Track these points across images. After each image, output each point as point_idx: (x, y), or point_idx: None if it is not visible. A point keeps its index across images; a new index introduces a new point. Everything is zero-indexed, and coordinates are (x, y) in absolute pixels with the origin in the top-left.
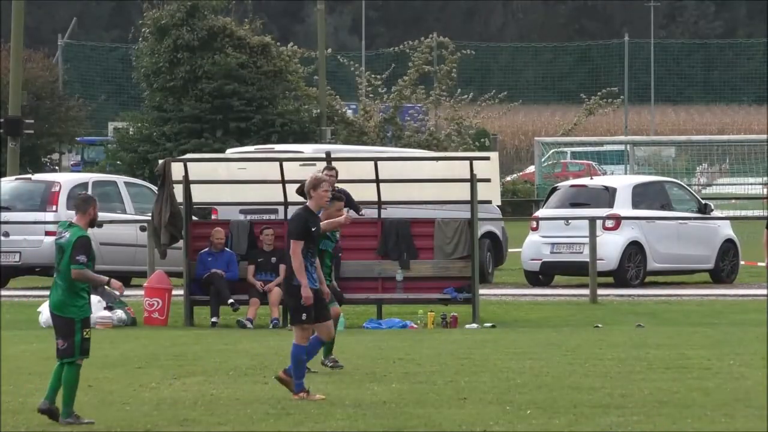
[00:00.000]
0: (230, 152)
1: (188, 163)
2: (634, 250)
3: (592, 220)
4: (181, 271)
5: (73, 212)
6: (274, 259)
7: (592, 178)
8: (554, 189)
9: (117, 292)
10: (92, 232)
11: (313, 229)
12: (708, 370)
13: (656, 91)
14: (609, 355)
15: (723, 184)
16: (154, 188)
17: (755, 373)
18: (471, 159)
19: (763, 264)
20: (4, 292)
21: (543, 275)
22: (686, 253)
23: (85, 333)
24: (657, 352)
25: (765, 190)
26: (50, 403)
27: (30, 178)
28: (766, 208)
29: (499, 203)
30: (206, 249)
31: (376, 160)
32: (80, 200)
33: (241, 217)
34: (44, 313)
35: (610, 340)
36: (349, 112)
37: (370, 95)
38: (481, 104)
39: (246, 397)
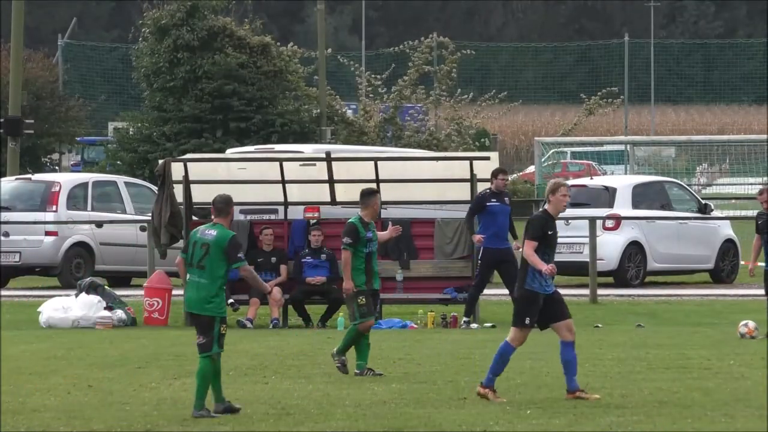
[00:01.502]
0: (230, 152)
1: (188, 163)
2: (634, 250)
3: (592, 220)
4: None
5: (75, 212)
6: (274, 259)
7: (592, 178)
8: None
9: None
10: (92, 233)
11: (549, 233)
12: (708, 370)
13: (656, 91)
14: (609, 355)
15: (723, 184)
16: (154, 188)
17: (755, 373)
18: (471, 159)
19: (763, 264)
20: (4, 292)
21: None
22: (686, 253)
23: (222, 329)
24: (657, 352)
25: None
26: (222, 404)
27: (30, 178)
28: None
29: None
30: None
31: (376, 160)
32: (223, 203)
33: (241, 217)
34: (44, 313)
35: (610, 340)
36: (349, 112)
37: (370, 95)
38: (481, 104)
39: (246, 397)
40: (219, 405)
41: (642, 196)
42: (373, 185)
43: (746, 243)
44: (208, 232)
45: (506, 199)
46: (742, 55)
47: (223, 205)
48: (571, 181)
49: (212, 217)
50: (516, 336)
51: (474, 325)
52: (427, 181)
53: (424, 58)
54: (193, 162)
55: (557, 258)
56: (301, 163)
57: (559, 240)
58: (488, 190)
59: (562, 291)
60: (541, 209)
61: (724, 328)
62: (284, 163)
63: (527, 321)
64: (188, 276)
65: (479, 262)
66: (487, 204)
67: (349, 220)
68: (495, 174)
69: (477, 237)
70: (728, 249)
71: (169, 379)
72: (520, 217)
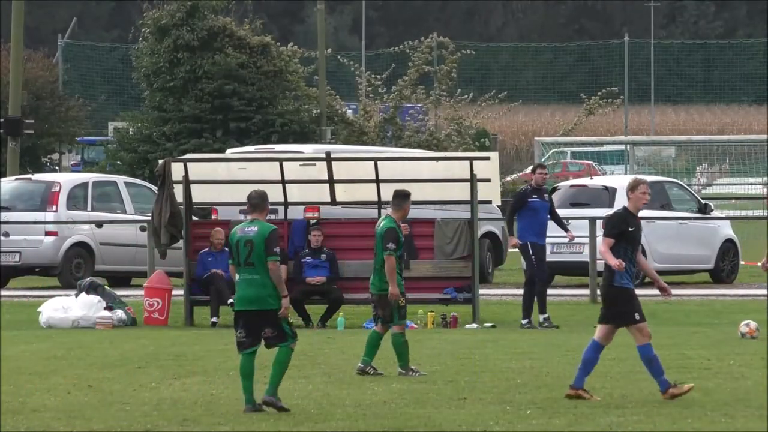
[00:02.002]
0: (230, 152)
1: (188, 163)
2: None
3: (592, 220)
4: (181, 271)
5: (75, 212)
6: None
7: (592, 178)
8: (554, 189)
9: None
10: (92, 233)
11: (630, 229)
12: (708, 370)
13: (656, 91)
14: (609, 355)
15: (723, 184)
16: (154, 188)
17: (755, 373)
18: (471, 159)
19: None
20: (4, 292)
21: None
22: (686, 253)
23: (288, 318)
24: (657, 352)
25: (765, 190)
26: (252, 405)
27: (30, 178)
28: (766, 208)
29: (499, 203)
30: (206, 249)
31: (376, 160)
32: (258, 199)
33: (241, 217)
34: (44, 313)
35: None
36: (349, 112)
37: (370, 95)
38: (481, 104)
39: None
40: (249, 406)
41: None
42: (373, 185)
43: (746, 243)
44: (248, 229)
45: (546, 195)
46: (742, 55)
47: (259, 200)
48: (571, 181)
49: (248, 214)
50: (636, 335)
51: (474, 325)
52: (427, 181)
53: (424, 58)
54: (193, 162)
55: (557, 258)
56: (301, 163)
57: (560, 240)
58: (529, 187)
59: (562, 291)
60: (622, 206)
61: (724, 328)
62: (284, 163)
63: (637, 316)
64: (237, 276)
65: (532, 258)
66: (529, 200)
67: (388, 225)
68: (533, 169)
69: (514, 241)
70: (728, 249)
71: (169, 379)
72: None
